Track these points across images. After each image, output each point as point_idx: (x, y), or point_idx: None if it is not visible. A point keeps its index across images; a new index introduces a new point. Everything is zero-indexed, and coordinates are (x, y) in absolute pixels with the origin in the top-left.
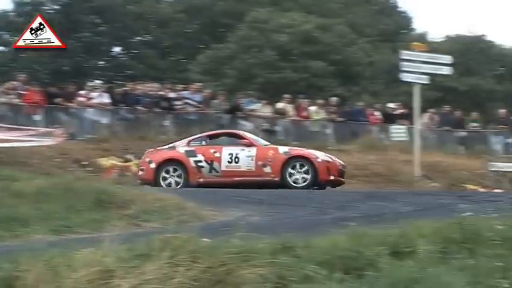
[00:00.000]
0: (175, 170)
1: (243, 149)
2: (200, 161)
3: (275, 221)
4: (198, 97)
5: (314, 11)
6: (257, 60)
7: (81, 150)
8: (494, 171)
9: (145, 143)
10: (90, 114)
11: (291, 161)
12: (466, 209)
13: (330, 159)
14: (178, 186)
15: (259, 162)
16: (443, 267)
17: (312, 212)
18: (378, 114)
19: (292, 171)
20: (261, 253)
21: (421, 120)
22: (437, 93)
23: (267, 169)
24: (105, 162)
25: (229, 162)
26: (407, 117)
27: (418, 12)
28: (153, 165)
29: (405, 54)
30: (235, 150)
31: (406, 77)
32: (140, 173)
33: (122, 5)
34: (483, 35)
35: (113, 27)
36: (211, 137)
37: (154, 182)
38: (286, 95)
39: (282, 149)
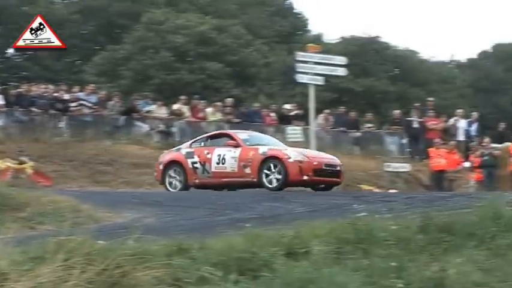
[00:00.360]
0: (175, 171)
1: (230, 150)
2: (196, 162)
3: (171, 222)
4: (93, 98)
5: (210, 12)
6: (153, 62)
7: None
8: (389, 171)
9: (40, 145)
10: None
11: (266, 161)
12: (361, 210)
13: (305, 159)
14: (177, 188)
15: (241, 163)
16: (337, 267)
17: (208, 213)
18: (273, 115)
19: (268, 171)
20: (156, 255)
21: (317, 121)
22: (333, 94)
23: (247, 170)
24: (0, 164)
25: (217, 163)
26: (303, 118)
27: (314, 13)
28: (161, 167)
29: (300, 55)
30: (223, 151)
31: (301, 78)
32: (155, 174)
33: (16, 5)
34: (378, 37)
35: (7, 28)
36: (212, 137)
37: (162, 183)
38: (182, 96)
39: (262, 149)
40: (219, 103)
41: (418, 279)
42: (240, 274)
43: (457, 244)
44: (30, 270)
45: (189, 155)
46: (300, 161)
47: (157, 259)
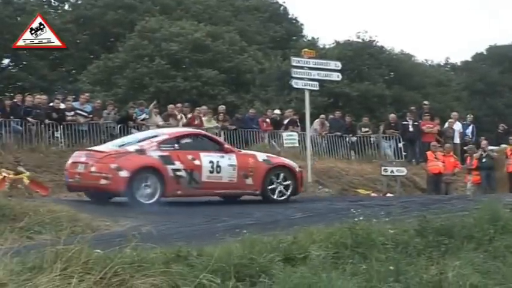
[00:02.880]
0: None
1: (223, 156)
2: (179, 170)
3: (169, 230)
4: (88, 107)
5: (204, 19)
6: (148, 70)
7: None
8: (386, 175)
9: (37, 155)
10: None
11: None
12: (358, 214)
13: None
14: (153, 199)
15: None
16: (336, 272)
17: (206, 220)
18: (269, 121)
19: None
20: (154, 263)
21: (313, 127)
22: (328, 99)
23: (249, 180)
24: None
25: (210, 171)
26: (299, 124)
27: (309, 19)
28: (123, 174)
29: (295, 60)
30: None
31: (296, 84)
32: (106, 181)
33: (10, 16)
34: (373, 41)
35: (2, 38)
36: (178, 138)
37: (126, 195)
38: (178, 104)
39: (261, 157)
40: (214, 110)
41: (416, 283)
42: (238, 280)
43: (455, 247)
44: (28, 280)
45: (167, 160)
46: (301, 171)
47: (155, 267)
